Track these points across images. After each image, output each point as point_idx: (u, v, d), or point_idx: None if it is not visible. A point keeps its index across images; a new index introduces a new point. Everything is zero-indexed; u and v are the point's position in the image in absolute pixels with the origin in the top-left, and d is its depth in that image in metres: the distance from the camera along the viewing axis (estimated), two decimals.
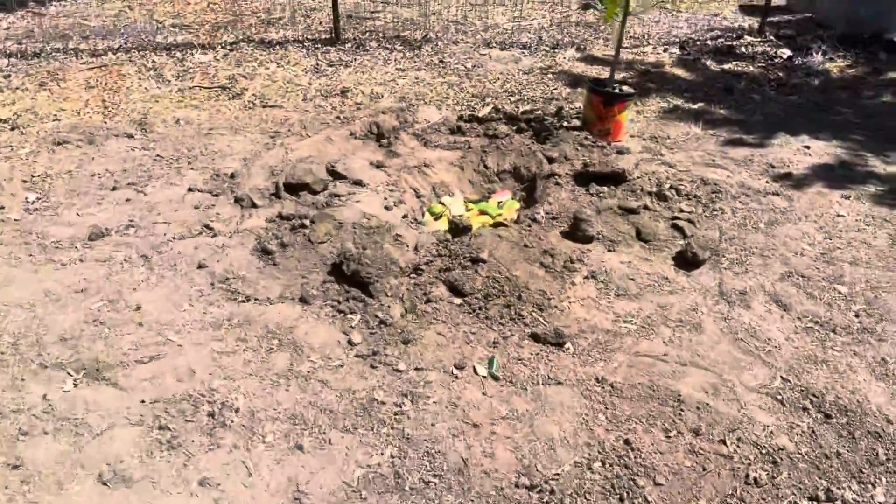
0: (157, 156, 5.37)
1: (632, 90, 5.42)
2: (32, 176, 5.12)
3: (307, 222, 4.15)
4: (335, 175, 4.91)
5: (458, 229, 4.12)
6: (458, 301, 3.62)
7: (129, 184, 4.92)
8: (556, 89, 6.49)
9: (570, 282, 3.74)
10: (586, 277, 3.80)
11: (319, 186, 4.71)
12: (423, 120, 5.86)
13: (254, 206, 4.58)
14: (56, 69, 7.02)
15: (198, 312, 3.60)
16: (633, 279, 3.80)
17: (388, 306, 3.59)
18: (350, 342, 3.39)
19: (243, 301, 3.68)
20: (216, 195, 4.79)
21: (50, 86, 6.69)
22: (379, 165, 5.12)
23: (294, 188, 4.73)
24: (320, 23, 8.12)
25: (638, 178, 4.78)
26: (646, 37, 7.60)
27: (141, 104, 6.31)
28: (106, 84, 6.73)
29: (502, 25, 8.07)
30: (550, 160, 5.11)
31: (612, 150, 5.21)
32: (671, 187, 4.67)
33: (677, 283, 3.79)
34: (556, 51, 7.30)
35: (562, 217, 4.34)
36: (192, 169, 5.16)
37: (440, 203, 5.07)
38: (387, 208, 4.54)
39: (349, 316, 3.57)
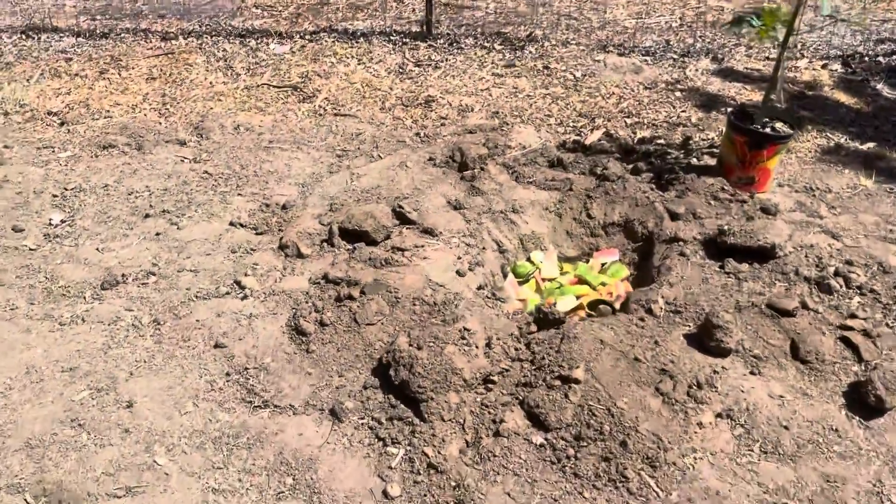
0: (206, 172, 4.61)
1: (789, 129, 4.22)
2: (66, 189, 4.47)
3: (356, 293, 3.25)
4: (402, 219, 3.99)
5: (547, 320, 3.12)
6: (538, 439, 2.67)
7: (164, 211, 4.17)
8: (683, 111, 5.32)
9: (695, 421, 2.70)
10: (719, 416, 2.75)
11: (381, 235, 3.80)
12: (518, 145, 4.85)
13: (300, 255, 3.73)
14: (121, 54, 6.39)
15: (200, 419, 2.79)
16: (786, 427, 2.72)
17: (443, 439, 2.66)
18: (386, 494, 2.49)
19: (259, 406, 2.84)
20: (260, 233, 3.98)
21: (110, 74, 6.05)
22: (457, 206, 4.17)
23: (350, 235, 3.84)
24: (413, 10, 7.15)
25: (791, 253, 3.63)
26: (798, 46, 6.26)
27: (202, 103, 5.57)
28: (170, 75, 6.04)
29: (622, 22, 6.88)
30: (674, 216, 4.01)
31: (756, 207, 4.05)
32: (837, 273, 3.51)
33: (851, 442, 2.69)
34: (687, 60, 6.09)
35: (688, 310, 3.27)
36: (239, 195, 4.36)
37: (529, 261, 4.07)
38: (459, 273, 3.59)
39: (389, 448, 2.67)
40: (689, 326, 3.20)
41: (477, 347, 2.94)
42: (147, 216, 4.14)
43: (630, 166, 4.44)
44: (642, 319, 3.23)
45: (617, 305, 3.69)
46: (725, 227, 3.68)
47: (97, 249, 3.86)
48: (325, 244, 3.81)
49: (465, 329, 2.99)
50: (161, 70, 6.13)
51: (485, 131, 5.06)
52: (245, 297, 3.41)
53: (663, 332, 3.16)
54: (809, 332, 3.12)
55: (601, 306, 3.66)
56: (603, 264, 4.08)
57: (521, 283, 3.97)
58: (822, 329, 3.15)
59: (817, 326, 3.17)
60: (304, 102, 5.57)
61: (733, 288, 3.45)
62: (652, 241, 3.99)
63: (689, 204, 4.04)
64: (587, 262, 4.14)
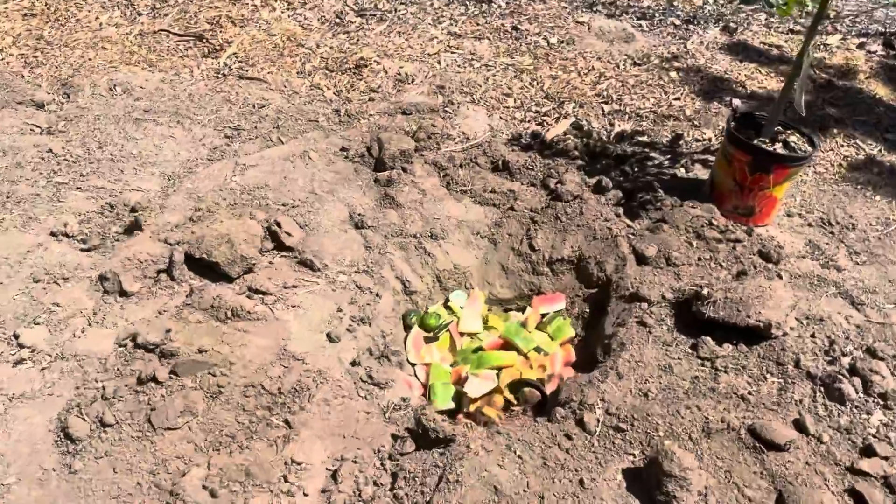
0: (50, 151, 3.56)
1: (807, 146, 3.13)
2: None
3: (163, 373, 2.26)
4: (276, 241, 2.96)
5: (428, 438, 2.14)
6: None
7: None
8: (677, 98, 4.21)
9: None
10: None
11: (237, 269, 2.79)
12: (460, 135, 3.77)
13: (122, 293, 2.72)
14: None
15: None
16: None
17: None
18: None
19: None
20: (88, 250, 2.96)
21: None
22: (360, 225, 3.14)
23: (201, 265, 2.83)
24: None
25: (793, 331, 2.62)
26: (831, 16, 5.07)
27: (81, 51, 4.46)
28: (54, 11, 4.90)
29: None
30: (641, 258, 2.99)
31: (753, 251, 3.02)
32: (853, 370, 2.51)
33: None
34: (691, 28, 4.91)
35: (635, 427, 2.29)
36: (79, 188, 3.32)
37: (446, 305, 3.06)
38: (331, 338, 2.59)
39: None
40: (634, 456, 2.21)
41: (306, 496, 1.97)
42: None
43: (594, 180, 3.37)
44: (569, 437, 2.25)
45: (550, 388, 2.70)
46: (705, 292, 2.65)
47: None
48: (162, 276, 2.79)
49: (293, 462, 2.01)
50: (46, 4, 4.99)
51: (422, 112, 3.97)
52: (19, 361, 2.42)
53: (595, 464, 2.17)
54: (805, 479, 2.14)
55: (527, 390, 2.67)
56: (543, 315, 3.07)
57: (428, 340, 2.97)
58: (823, 475, 2.17)
59: (817, 470, 2.18)
60: (206, 57, 4.46)
61: (705, 386, 2.45)
62: (609, 290, 2.97)
63: (663, 243, 3.00)
64: (524, 310, 3.13)
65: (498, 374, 2.80)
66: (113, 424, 2.18)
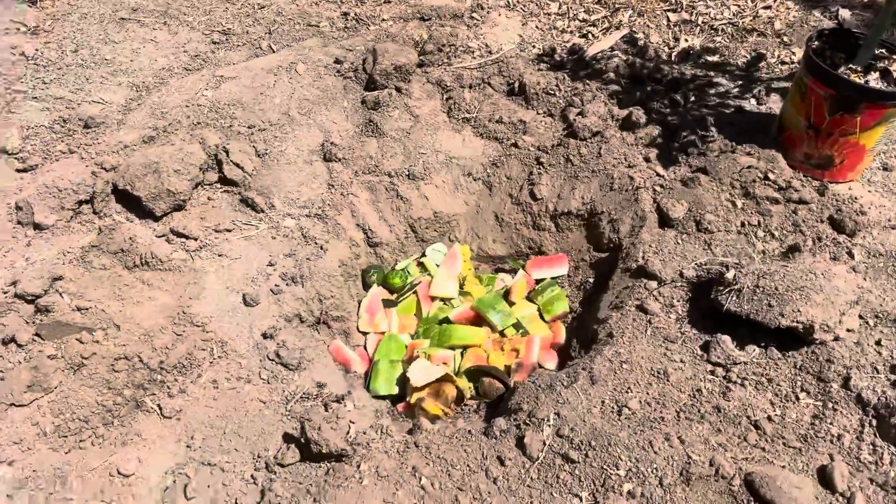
0: (22, 55, 3.22)
1: None
2: None
3: (25, 336, 1.90)
4: (221, 173, 2.51)
5: (318, 453, 1.68)
6: None
7: None
8: (767, 6, 3.33)
9: None
10: None
11: (162, 205, 2.36)
12: (481, 47, 3.12)
13: (35, 226, 2.36)
14: None
15: None
16: None
17: None
18: None
19: None
20: (24, 171, 2.63)
21: None
22: (328, 157, 2.62)
23: (127, 198, 2.43)
24: None
25: (846, 339, 1.93)
26: None
27: None
28: None
29: None
30: (665, 220, 2.32)
31: (822, 216, 2.27)
32: None
33: None
34: None
35: (590, 459, 1.71)
36: (35, 98, 2.97)
37: (420, 264, 2.54)
38: (247, 301, 2.14)
39: None
40: (580, 500, 1.65)
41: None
42: None
43: (625, 112, 2.65)
44: (502, 462, 1.71)
45: (514, 380, 2.15)
46: (729, 274, 1.97)
47: None
48: (85, 208, 2.41)
49: (118, 473, 1.60)
50: None
51: (443, 19, 3.32)
52: None
53: None
54: None
55: (486, 380, 2.13)
56: (539, 281, 2.48)
57: (390, 304, 2.46)
58: None
59: None
60: None
61: (709, 403, 1.83)
62: (616, 259, 2.33)
63: (696, 200, 2.31)
64: (515, 272, 2.55)
65: (463, 353, 2.27)
66: None
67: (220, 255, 2.27)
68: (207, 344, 1.97)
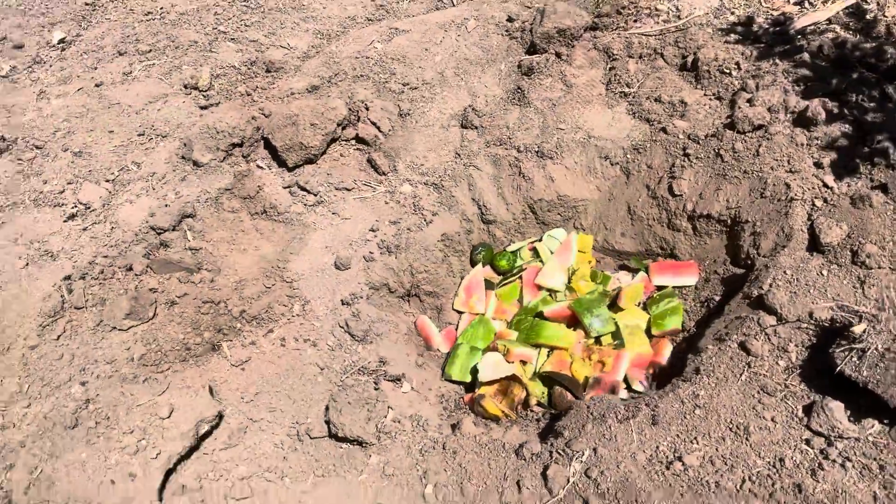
0: None
1: None
2: None
3: (140, 268, 2.12)
4: (357, 130, 2.56)
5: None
6: None
7: (123, 53, 3.26)
8: None
9: None
10: None
11: (294, 157, 2.47)
12: (671, 10, 2.80)
13: (194, 163, 2.62)
14: None
15: None
16: None
17: None
18: None
19: None
20: (205, 108, 2.91)
21: None
22: (466, 124, 2.55)
23: (271, 146, 2.58)
24: None
25: None
26: None
27: None
28: None
29: None
30: (815, 242, 1.93)
31: None
32: None
33: None
34: None
35: None
36: (232, 40, 3.24)
37: (534, 250, 2.40)
38: (338, 265, 2.19)
39: None
40: None
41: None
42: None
43: (805, 105, 2.21)
44: (518, 488, 1.59)
45: (590, 395, 1.97)
46: (857, 328, 1.59)
47: None
48: (236, 151, 2.60)
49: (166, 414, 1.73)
50: None
51: None
52: (71, 216, 2.47)
53: None
54: None
55: (557, 390, 1.98)
56: (659, 289, 2.22)
57: (498, 285, 2.36)
58: None
59: None
60: None
61: (790, 478, 1.52)
62: (747, 278, 2.00)
63: (860, 224, 1.88)
64: (636, 273, 2.30)
65: (549, 353, 2.12)
66: (82, 307, 2.10)
67: (333, 214, 2.32)
68: (290, 300, 2.05)
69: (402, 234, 2.24)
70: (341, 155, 2.51)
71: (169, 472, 1.64)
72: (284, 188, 2.40)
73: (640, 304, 2.21)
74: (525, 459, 1.64)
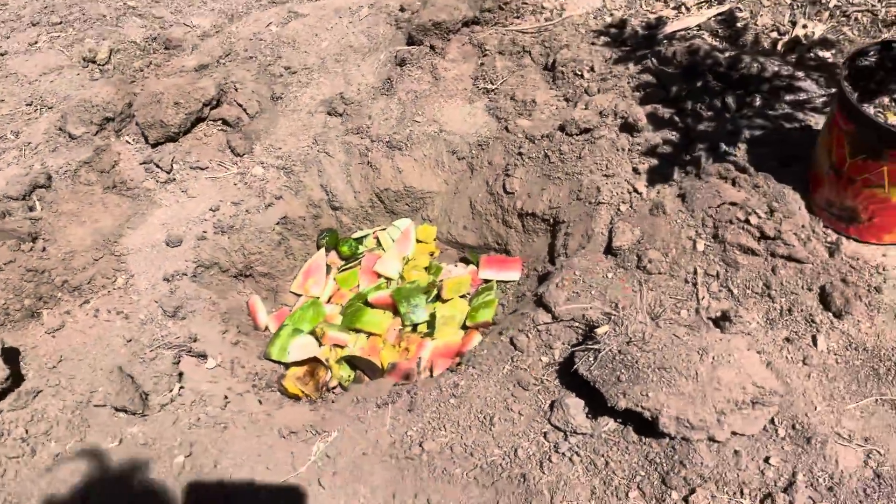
0: None
1: None
2: None
3: None
4: (220, 112, 2.63)
5: None
6: None
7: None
8: None
9: None
10: None
11: (155, 134, 2.55)
12: (556, 8, 2.83)
13: (69, 135, 2.71)
14: None
15: None
16: None
17: None
18: None
19: None
20: (96, 80, 2.98)
21: None
22: (332, 112, 2.62)
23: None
24: None
25: (711, 449, 1.55)
26: None
27: None
28: None
29: None
30: (609, 246, 1.99)
31: (810, 282, 1.79)
32: None
33: None
34: None
35: (348, 471, 1.61)
36: (140, 15, 3.31)
37: (376, 238, 2.48)
38: (169, 242, 2.27)
39: None
40: None
41: None
42: None
43: (635, 110, 2.25)
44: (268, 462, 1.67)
45: (393, 378, 2.04)
46: (601, 329, 1.65)
47: None
48: (109, 125, 2.68)
49: None
50: None
51: None
52: None
53: None
54: None
55: (358, 372, 2.05)
56: (486, 282, 2.28)
57: (339, 270, 2.44)
58: None
59: None
60: None
61: (519, 469, 1.59)
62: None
63: (650, 230, 1.94)
64: (470, 262, 2.37)
65: (369, 337, 2.19)
66: None
67: (182, 192, 2.40)
68: (115, 273, 2.13)
69: (239, 216, 2.32)
70: (205, 135, 2.59)
71: None
72: (141, 164, 2.48)
73: (467, 296, 2.28)
74: (284, 437, 1.72)
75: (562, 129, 2.25)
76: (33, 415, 1.78)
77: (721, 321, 1.72)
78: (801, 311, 1.73)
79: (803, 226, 1.87)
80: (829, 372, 1.63)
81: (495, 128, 2.42)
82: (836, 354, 1.67)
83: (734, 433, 1.54)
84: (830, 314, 1.72)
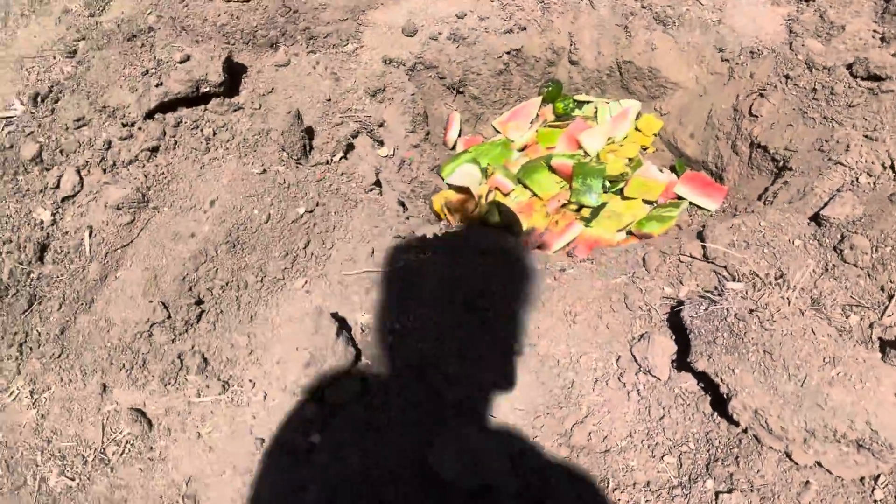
0: None
1: None
2: None
3: None
4: None
5: None
6: None
7: None
8: None
9: None
10: None
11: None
12: None
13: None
14: None
15: None
16: None
17: None
18: None
19: None
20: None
21: None
22: None
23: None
24: None
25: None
26: None
27: None
28: None
29: None
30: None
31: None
32: None
33: None
34: None
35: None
36: None
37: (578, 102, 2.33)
38: (405, 32, 2.31)
39: None
40: None
41: None
42: None
43: None
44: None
45: (524, 240, 1.98)
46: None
47: None
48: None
49: None
50: None
51: None
52: None
53: None
54: None
55: (505, 213, 2.02)
56: (678, 198, 2.06)
57: (544, 124, 2.34)
58: None
59: None
60: None
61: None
62: None
63: (879, 227, 1.58)
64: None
65: (531, 196, 2.11)
66: None
67: None
68: (348, 39, 2.24)
69: (477, 31, 2.26)
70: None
71: None
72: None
73: (654, 202, 2.06)
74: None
75: (849, 67, 1.83)
76: (225, 123, 1.99)
77: (892, 346, 1.37)
78: None
79: None
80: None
81: (780, 41, 2.04)
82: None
83: (818, 465, 1.27)
84: None
